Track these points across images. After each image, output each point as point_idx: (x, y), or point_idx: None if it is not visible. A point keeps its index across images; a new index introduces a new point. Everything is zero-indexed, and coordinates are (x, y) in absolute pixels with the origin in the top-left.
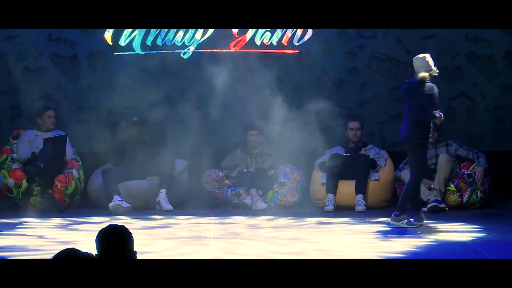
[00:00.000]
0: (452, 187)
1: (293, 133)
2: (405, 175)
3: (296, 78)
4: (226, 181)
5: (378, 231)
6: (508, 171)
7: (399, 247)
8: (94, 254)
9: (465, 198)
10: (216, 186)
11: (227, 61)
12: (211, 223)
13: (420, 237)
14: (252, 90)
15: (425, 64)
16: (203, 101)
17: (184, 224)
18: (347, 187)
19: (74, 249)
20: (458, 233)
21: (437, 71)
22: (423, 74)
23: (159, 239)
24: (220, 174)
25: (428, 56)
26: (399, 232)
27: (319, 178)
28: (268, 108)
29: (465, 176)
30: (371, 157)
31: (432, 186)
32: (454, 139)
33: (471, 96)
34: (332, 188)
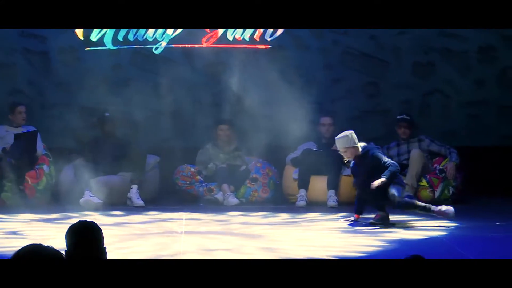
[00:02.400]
0: (424, 182)
1: (265, 128)
2: None
3: (268, 73)
4: (198, 177)
5: (349, 227)
6: (481, 167)
7: (370, 242)
8: (64, 251)
9: (437, 194)
10: (188, 182)
11: (199, 56)
12: (182, 219)
13: (391, 232)
14: (224, 85)
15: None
16: (175, 96)
17: (155, 219)
18: (319, 183)
19: (38, 244)
20: (430, 229)
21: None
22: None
23: (130, 235)
24: (192, 169)
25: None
26: (371, 227)
27: (291, 173)
28: (240, 104)
29: (437, 171)
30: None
31: (404, 181)
32: (426, 134)
33: (445, 92)
34: (304, 183)
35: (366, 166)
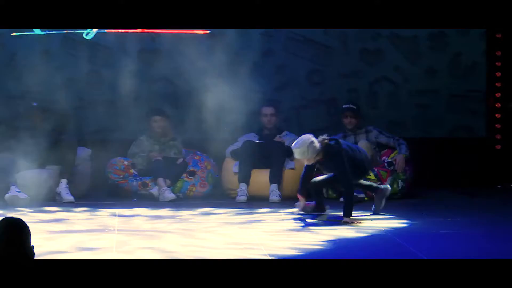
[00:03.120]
0: (372, 176)
1: (204, 118)
2: None
3: (208, 60)
4: (132, 170)
5: (293, 223)
6: (432, 159)
7: (314, 239)
8: None
9: None
10: (121, 176)
11: (133, 42)
12: (115, 215)
13: (337, 229)
14: (160, 73)
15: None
16: (108, 85)
17: (86, 216)
18: (260, 176)
19: None
20: (378, 224)
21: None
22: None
23: (59, 233)
24: (125, 162)
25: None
26: (314, 224)
27: (231, 166)
28: (177, 93)
29: (385, 164)
30: (286, 144)
31: None
32: (374, 125)
33: (393, 80)
34: (245, 177)
35: (332, 164)
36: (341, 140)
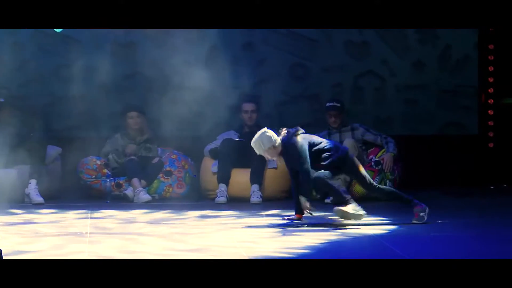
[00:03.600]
0: None
1: (181, 115)
2: None
3: (184, 54)
4: (105, 170)
5: (275, 225)
6: (421, 158)
7: (297, 243)
8: None
9: None
10: (93, 176)
11: (106, 36)
12: (87, 218)
13: (322, 231)
14: (134, 68)
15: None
16: (79, 80)
17: (56, 218)
18: (241, 176)
19: None
20: (365, 226)
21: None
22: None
23: (28, 237)
24: (98, 162)
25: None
26: (298, 226)
27: (210, 166)
28: (152, 88)
29: (372, 163)
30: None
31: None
32: (360, 122)
33: (380, 74)
34: (224, 177)
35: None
36: (304, 131)
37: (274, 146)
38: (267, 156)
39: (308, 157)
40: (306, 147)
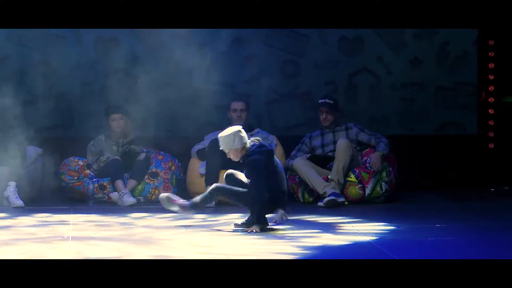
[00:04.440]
0: (352, 177)
1: (167, 115)
2: (298, 163)
3: (170, 51)
4: (87, 171)
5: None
6: (418, 159)
7: (289, 248)
8: None
9: (367, 191)
10: (76, 177)
11: (89, 31)
12: (69, 222)
13: (315, 236)
14: (117, 66)
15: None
16: (60, 77)
17: (37, 222)
18: None
19: None
20: (359, 231)
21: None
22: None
23: (6, 241)
24: (80, 163)
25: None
26: (292, 230)
27: (197, 167)
28: (136, 88)
29: (367, 164)
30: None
31: (329, 176)
32: (355, 121)
33: (375, 72)
34: (213, 179)
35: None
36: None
37: (242, 149)
38: (231, 155)
39: (262, 177)
40: (263, 168)
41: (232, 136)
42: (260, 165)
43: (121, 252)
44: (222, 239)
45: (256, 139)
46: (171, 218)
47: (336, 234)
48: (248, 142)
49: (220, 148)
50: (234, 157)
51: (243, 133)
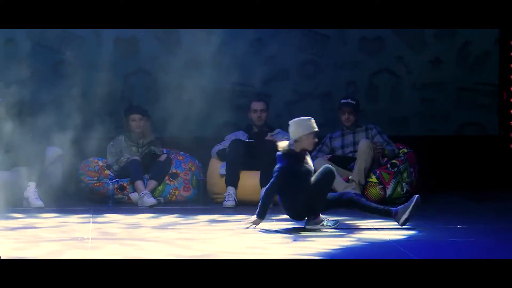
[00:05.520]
0: (373, 178)
1: (187, 116)
2: (318, 164)
3: (190, 51)
4: (107, 172)
5: (286, 231)
6: (438, 160)
7: (310, 249)
8: None
9: (388, 192)
10: (95, 178)
11: (109, 30)
12: (89, 222)
13: (337, 236)
14: (137, 66)
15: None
16: (80, 77)
17: (57, 223)
18: (250, 179)
19: None
20: (380, 231)
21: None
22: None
23: (27, 242)
24: (100, 163)
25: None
26: (311, 231)
27: (218, 168)
28: (157, 87)
29: (388, 165)
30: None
31: (350, 177)
32: (375, 122)
33: (395, 72)
34: (233, 180)
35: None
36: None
37: (306, 138)
38: (305, 142)
39: (280, 177)
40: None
41: (309, 120)
42: (285, 167)
43: (141, 252)
44: (238, 240)
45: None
46: (190, 219)
47: (357, 234)
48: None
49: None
50: (303, 145)
51: (314, 124)
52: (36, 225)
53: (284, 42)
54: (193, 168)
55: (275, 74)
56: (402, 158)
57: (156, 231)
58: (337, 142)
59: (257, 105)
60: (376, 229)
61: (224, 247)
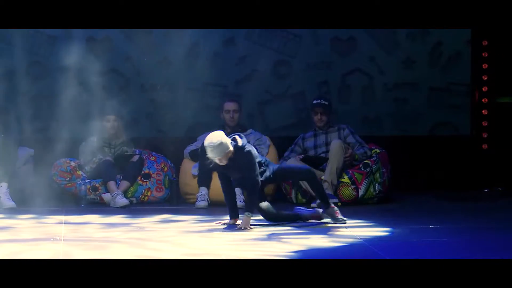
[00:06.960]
0: (346, 178)
1: (159, 116)
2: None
3: (164, 51)
4: (79, 172)
5: (259, 231)
6: (411, 160)
7: (282, 249)
8: None
9: (360, 192)
10: (68, 178)
11: (81, 30)
12: (62, 223)
13: (308, 238)
14: (110, 66)
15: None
16: (51, 77)
17: (29, 224)
18: None
19: None
20: (352, 232)
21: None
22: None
23: None
24: (72, 164)
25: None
26: (281, 232)
27: (190, 168)
28: (129, 87)
29: (360, 165)
30: (251, 143)
31: (322, 177)
32: (348, 122)
33: (368, 72)
34: (205, 180)
35: (241, 162)
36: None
37: (228, 153)
38: (223, 160)
39: (257, 167)
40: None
41: (224, 142)
42: (255, 155)
43: (113, 254)
44: (212, 242)
45: (233, 135)
46: (162, 220)
47: (329, 234)
48: (229, 141)
49: (213, 157)
50: (224, 161)
51: (225, 139)
52: (8, 226)
53: (257, 42)
54: (165, 169)
55: (247, 74)
56: (375, 158)
57: (128, 232)
58: (309, 143)
59: (230, 106)
60: (347, 227)
61: (197, 249)
